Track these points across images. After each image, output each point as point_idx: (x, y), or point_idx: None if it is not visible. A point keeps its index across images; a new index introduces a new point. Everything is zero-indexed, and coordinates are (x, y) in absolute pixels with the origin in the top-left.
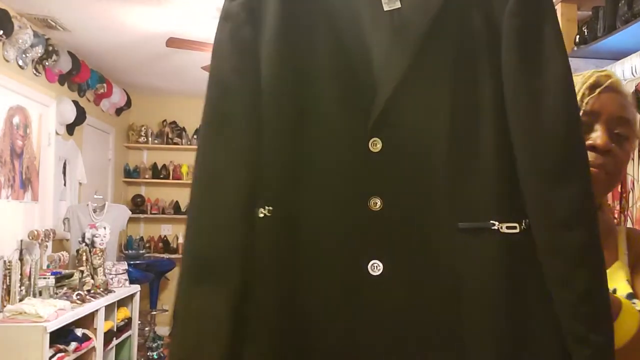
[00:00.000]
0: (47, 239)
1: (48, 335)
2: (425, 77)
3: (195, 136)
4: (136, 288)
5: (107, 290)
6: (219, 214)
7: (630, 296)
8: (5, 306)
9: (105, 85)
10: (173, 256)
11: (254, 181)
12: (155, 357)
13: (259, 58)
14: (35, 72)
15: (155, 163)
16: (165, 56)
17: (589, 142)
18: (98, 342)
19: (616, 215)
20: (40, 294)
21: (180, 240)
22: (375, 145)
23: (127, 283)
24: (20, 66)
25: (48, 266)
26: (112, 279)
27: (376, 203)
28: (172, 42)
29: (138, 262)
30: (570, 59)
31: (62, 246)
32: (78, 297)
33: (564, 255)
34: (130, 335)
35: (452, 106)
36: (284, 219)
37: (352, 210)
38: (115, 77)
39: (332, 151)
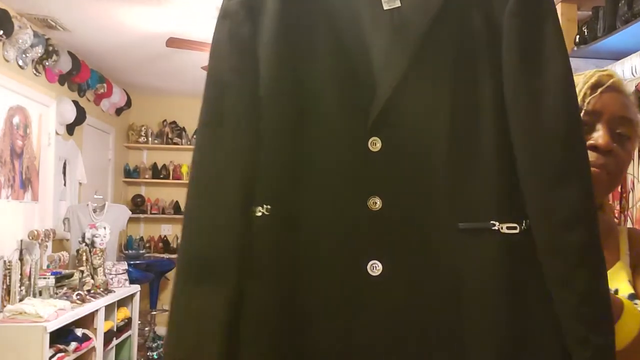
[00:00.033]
0: (47, 239)
1: (48, 335)
2: (425, 76)
3: (195, 136)
4: (136, 288)
5: (107, 290)
6: (216, 214)
7: (632, 297)
8: (5, 306)
9: (105, 85)
10: (173, 256)
11: (251, 181)
12: (155, 357)
13: (258, 57)
14: (35, 72)
15: (155, 163)
16: (165, 56)
17: (590, 142)
18: (98, 342)
19: (616, 215)
20: (40, 294)
21: None
22: (375, 144)
23: (127, 283)
24: (20, 66)
25: (48, 266)
26: (112, 279)
27: (376, 203)
28: (172, 42)
29: (138, 262)
30: (570, 59)
31: (62, 246)
32: (78, 297)
33: (564, 256)
34: (130, 335)
35: (452, 106)
36: (283, 218)
37: (352, 210)
38: (115, 77)
39: (332, 150)
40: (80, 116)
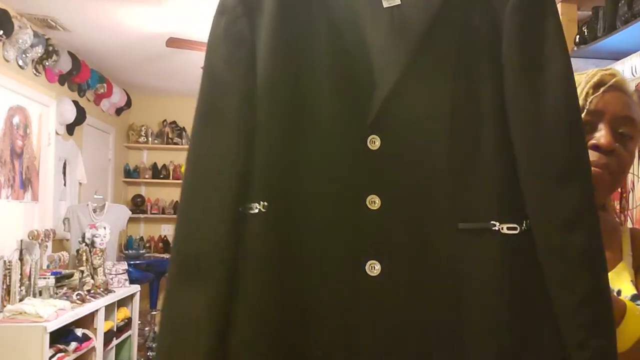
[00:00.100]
0: (47, 239)
1: (48, 335)
2: (425, 74)
3: None
4: (136, 288)
5: (107, 290)
6: (203, 211)
7: (635, 297)
8: (5, 306)
9: (105, 85)
10: None
11: (243, 177)
12: None
13: (255, 53)
14: (35, 72)
15: (155, 163)
16: (165, 56)
17: (592, 141)
18: (98, 342)
19: (617, 215)
20: (40, 294)
21: None
22: (374, 142)
23: (127, 283)
24: (20, 66)
25: (48, 266)
26: (112, 279)
27: (374, 201)
28: (172, 42)
29: (138, 262)
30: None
31: (62, 246)
32: (78, 297)
33: (565, 257)
34: (130, 335)
35: (452, 105)
36: (279, 216)
37: (350, 209)
38: (115, 77)
39: (330, 147)
40: (80, 116)
